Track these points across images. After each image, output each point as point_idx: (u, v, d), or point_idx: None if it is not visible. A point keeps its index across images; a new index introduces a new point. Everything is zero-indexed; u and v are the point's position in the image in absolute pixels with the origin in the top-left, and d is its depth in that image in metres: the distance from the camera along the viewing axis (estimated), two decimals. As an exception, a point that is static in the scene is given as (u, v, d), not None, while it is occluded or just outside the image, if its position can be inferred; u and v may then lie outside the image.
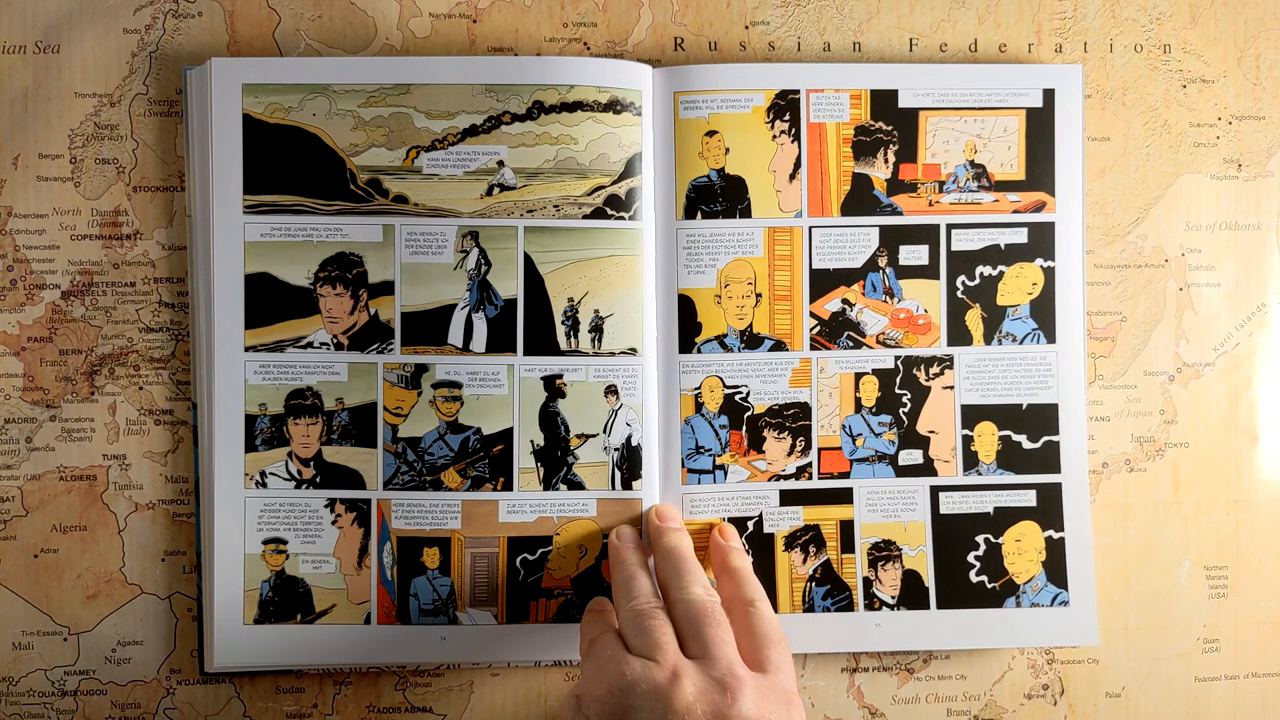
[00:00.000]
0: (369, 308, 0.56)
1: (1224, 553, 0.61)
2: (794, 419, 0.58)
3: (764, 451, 0.58)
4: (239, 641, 0.55)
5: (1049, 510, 0.58)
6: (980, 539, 0.58)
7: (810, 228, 0.58)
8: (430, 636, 0.56)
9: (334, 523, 0.56)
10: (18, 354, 0.57)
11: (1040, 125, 0.58)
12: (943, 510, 0.58)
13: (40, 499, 0.57)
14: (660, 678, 0.46)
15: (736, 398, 0.57)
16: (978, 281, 0.58)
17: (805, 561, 0.58)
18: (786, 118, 0.57)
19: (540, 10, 0.58)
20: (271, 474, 0.56)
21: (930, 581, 0.58)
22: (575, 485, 0.56)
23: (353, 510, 0.56)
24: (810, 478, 0.58)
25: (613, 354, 0.56)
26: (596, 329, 0.56)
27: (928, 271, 0.58)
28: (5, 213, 0.57)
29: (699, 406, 0.57)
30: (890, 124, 0.58)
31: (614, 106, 0.56)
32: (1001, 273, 0.58)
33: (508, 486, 0.56)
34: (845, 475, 0.58)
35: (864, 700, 0.59)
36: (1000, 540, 0.58)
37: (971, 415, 0.58)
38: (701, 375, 0.57)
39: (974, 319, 0.58)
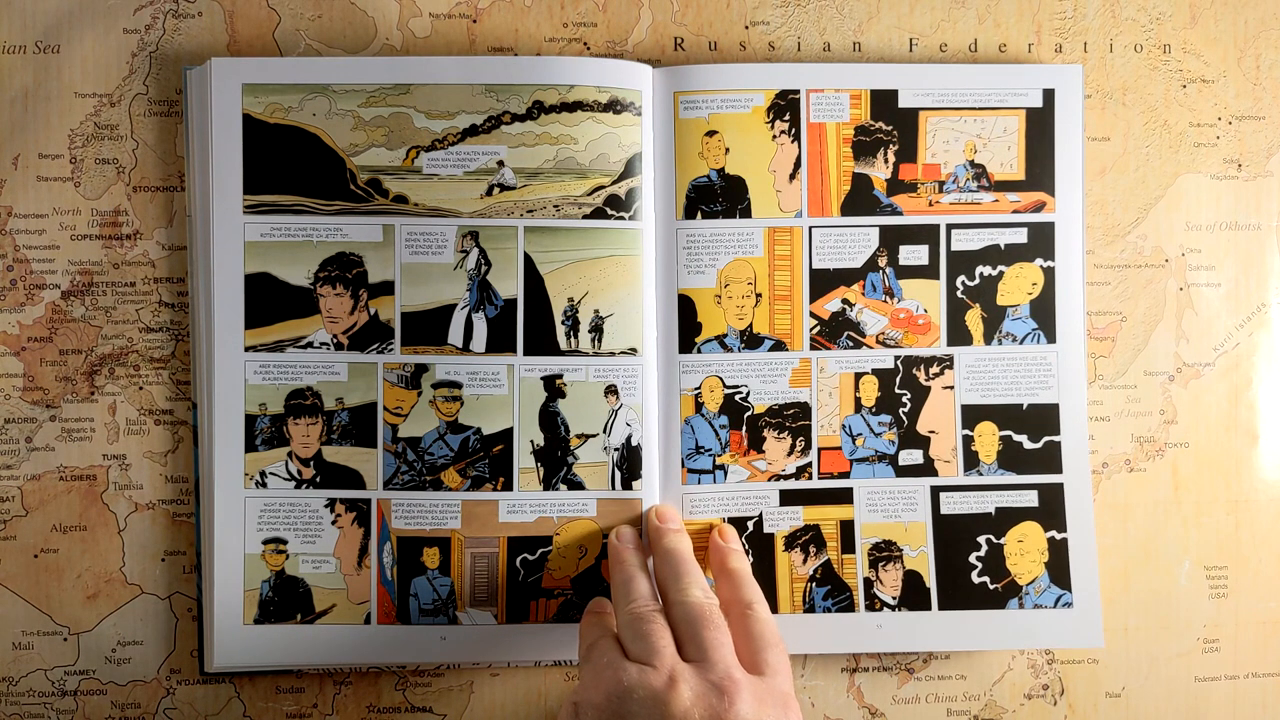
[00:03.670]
0: (369, 308, 0.56)
1: (1224, 553, 0.61)
2: (794, 419, 0.58)
3: (764, 451, 0.58)
4: (239, 641, 0.55)
5: (1051, 511, 0.58)
6: (982, 539, 0.58)
7: (810, 228, 0.58)
8: (430, 636, 0.56)
9: (334, 523, 0.56)
10: (18, 354, 0.57)
11: (1040, 125, 0.58)
12: (943, 510, 0.58)
13: (40, 499, 0.57)
14: (657, 683, 0.46)
15: (736, 398, 0.57)
16: (978, 281, 0.58)
17: (805, 562, 0.58)
18: (786, 118, 0.57)
19: (540, 10, 0.58)
20: (271, 474, 0.56)
21: (931, 582, 0.58)
22: (575, 485, 0.56)
23: (353, 510, 0.56)
24: (810, 478, 0.58)
25: (613, 354, 0.56)
26: (596, 329, 0.56)
27: (928, 271, 0.58)
28: (5, 213, 0.57)
29: (699, 406, 0.57)
30: (890, 124, 0.58)
31: (614, 106, 0.56)
32: (1001, 273, 0.58)
33: (508, 486, 0.56)
34: (845, 475, 0.58)
35: (864, 700, 0.59)
36: (1002, 541, 0.58)
37: (972, 415, 0.58)
38: (701, 375, 0.57)
39: (974, 319, 0.58)
